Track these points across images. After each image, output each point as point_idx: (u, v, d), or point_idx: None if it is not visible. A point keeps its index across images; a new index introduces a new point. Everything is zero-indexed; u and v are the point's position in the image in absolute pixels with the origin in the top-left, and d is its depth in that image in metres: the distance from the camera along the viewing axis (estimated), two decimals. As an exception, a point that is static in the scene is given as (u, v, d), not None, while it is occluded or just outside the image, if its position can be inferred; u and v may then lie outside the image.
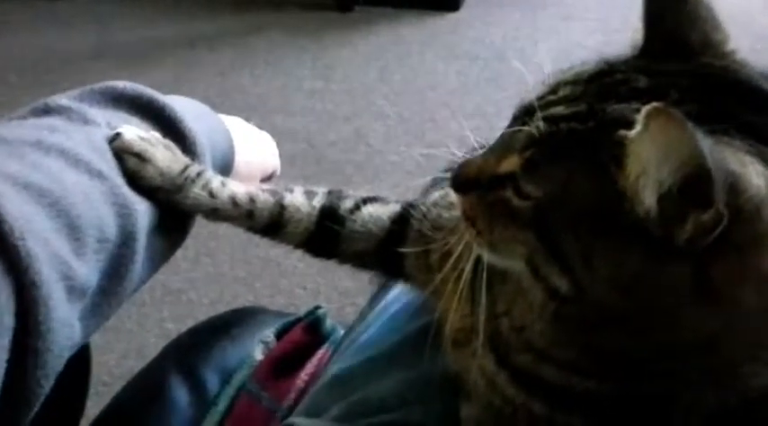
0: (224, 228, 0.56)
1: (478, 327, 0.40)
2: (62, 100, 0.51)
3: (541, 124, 0.34)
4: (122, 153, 0.48)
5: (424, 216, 0.51)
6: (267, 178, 0.66)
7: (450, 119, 1.91)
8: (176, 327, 1.42)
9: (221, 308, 0.89)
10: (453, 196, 0.48)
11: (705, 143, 0.28)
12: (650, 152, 0.30)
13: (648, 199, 0.30)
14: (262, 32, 2.35)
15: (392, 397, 0.49)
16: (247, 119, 0.65)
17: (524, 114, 0.36)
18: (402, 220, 0.52)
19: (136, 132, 0.50)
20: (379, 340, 0.54)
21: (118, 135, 0.49)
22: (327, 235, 0.52)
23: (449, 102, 1.98)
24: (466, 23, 2.31)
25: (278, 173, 0.68)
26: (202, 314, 1.32)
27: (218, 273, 1.51)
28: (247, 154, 0.61)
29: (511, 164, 0.35)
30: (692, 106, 0.32)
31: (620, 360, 0.36)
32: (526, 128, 0.35)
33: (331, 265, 0.57)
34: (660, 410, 0.36)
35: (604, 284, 0.33)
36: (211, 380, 0.62)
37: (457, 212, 0.47)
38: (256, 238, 0.57)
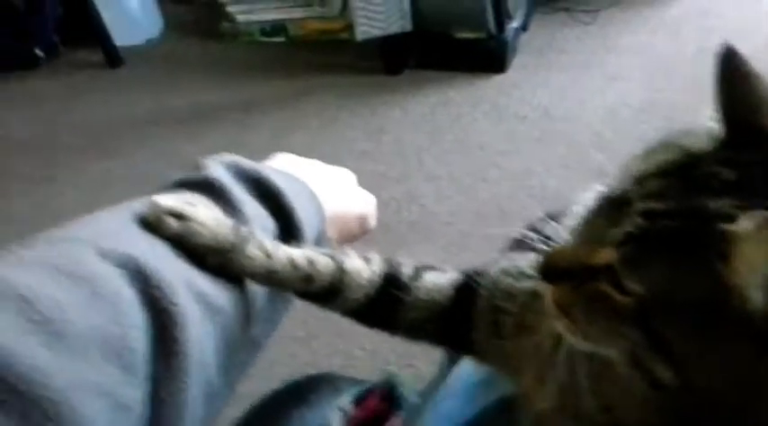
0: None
1: (569, 407, 0.41)
2: (216, 172, 0.52)
3: (639, 220, 0.35)
4: (162, 216, 0.46)
5: (494, 284, 0.50)
6: (362, 234, 0.66)
7: (500, 178, 1.94)
8: (237, 387, 1.43)
9: (280, 368, 0.91)
10: (524, 266, 0.49)
11: None
12: (759, 255, 0.30)
13: (756, 295, 0.31)
14: (313, 96, 2.43)
15: None
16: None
17: (615, 207, 0.37)
18: (467, 288, 0.51)
19: (172, 197, 0.48)
20: (458, 412, 0.54)
21: (154, 203, 0.47)
22: (388, 302, 0.50)
23: (498, 161, 2.01)
24: (513, 85, 2.35)
25: (373, 222, 0.67)
26: (262, 373, 1.33)
27: (276, 334, 1.53)
28: (335, 211, 0.61)
29: (606, 256, 0.36)
30: None
31: None
32: (623, 223, 0.35)
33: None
34: None
35: (710, 377, 0.33)
36: (292, 446, 0.64)
37: (530, 284, 0.48)
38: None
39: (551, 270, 0.39)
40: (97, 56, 2.76)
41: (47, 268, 0.38)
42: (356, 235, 0.66)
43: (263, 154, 0.63)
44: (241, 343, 0.49)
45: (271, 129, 2.28)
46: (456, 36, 2.36)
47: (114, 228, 0.45)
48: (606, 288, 0.36)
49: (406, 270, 0.52)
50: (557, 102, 2.24)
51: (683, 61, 2.35)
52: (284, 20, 2.77)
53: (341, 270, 0.50)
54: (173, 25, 3.02)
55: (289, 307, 0.56)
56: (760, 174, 0.34)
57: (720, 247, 0.32)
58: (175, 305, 0.41)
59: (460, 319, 0.50)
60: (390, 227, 1.79)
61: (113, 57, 2.75)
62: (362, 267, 0.51)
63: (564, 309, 0.39)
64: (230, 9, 2.81)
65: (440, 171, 2.00)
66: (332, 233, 0.61)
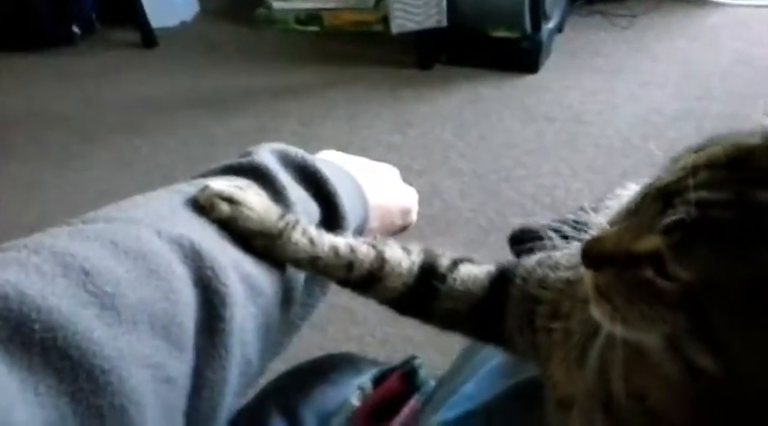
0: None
1: (597, 393, 0.41)
2: (263, 158, 0.53)
3: (691, 209, 0.34)
4: (214, 200, 0.48)
5: (529, 274, 0.50)
6: (404, 228, 0.67)
7: (525, 178, 1.93)
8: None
9: (292, 353, 0.92)
10: (560, 258, 0.50)
11: None
12: None
13: None
14: (344, 86, 2.44)
15: None
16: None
17: (666, 196, 0.37)
18: (501, 279, 0.51)
19: (224, 182, 0.50)
20: (478, 393, 0.55)
21: (206, 187, 0.48)
22: (425, 292, 0.51)
23: (525, 161, 2.00)
24: (544, 86, 2.34)
25: (414, 216, 0.69)
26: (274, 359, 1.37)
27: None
28: (379, 202, 0.62)
29: (651, 243, 0.36)
30: None
31: None
32: (673, 211, 0.35)
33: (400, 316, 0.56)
34: None
35: (752, 366, 0.33)
36: (310, 422, 0.64)
37: (564, 274, 0.48)
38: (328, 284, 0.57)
39: (594, 255, 0.39)
40: (132, 36, 2.80)
41: (106, 243, 0.40)
42: (398, 227, 0.67)
43: (291, 140, 0.64)
44: (279, 325, 0.50)
45: (299, 117, 2.30)
46: (491, 34, 2.36)
47: (168, 210, 0.47)
48: (650, 274, 0.36)
49: (444, 261, 0.52)
50: (588, 105, 2.23)
51: (719, 70, 2.33)
52: (319, 9, 2.79)
53: (381, 259, 0.51)
54: (207, 9, 3.06)
55: (326, 292, 0.58)
56: None
57: None
58: (225, 285, 0.43)
59: (493, 310, 0.51)
60: (412, 220, 1.79)
61: (149, 37, 2.78)
62: (402, 256, 0.51)
63: (605, 295, 0.39)
64: (267, -4, 2.83)
65: (464, 167, 2.01)
66: (375, 224, 0.62)
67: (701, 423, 0.37)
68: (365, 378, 0.68)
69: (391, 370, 0.69)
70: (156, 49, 2.80)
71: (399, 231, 0.67)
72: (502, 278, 0.51)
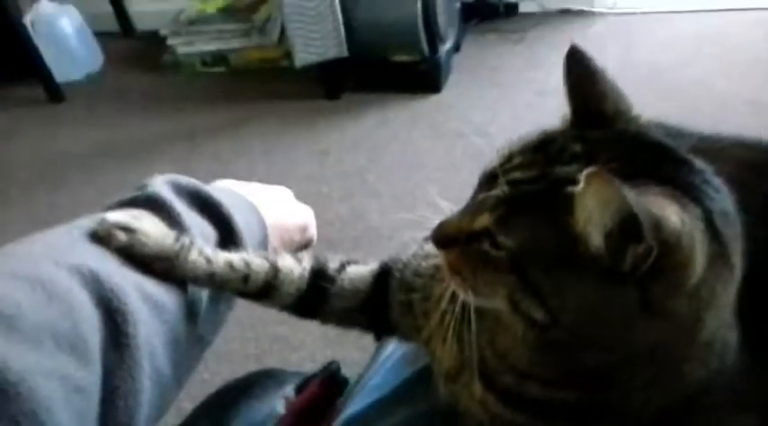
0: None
1: (468, 361, 0.47)
2: (157, 189, 0.57)
3: (506, 188, 0.42)
4: (111, 230, 0.51)
5: (405, 266, 0.57)
6: (305, 245, 0.71)
7: (439, 193, 2.01)
8: (192, 406, 1.47)
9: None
10: (430, 249, 0.56)
11: (631, 195, 0.36)
12: (592, 204, 0.37)
13: (596, 239, 0.38)
14: (256, 123, 2.49)
15: None
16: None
17: (489, 180, 0.44)
18: (383, 274, 0.57)
19: (120, 213, 0.53)
20: (384, 384, 0.61)
21: (103, 219, 0.52)
22: (317, 294, 0.56)
23: (437, 177, 2.09)
24: (448, 104, 2.45)
25: (313, 231, 0.73)
26: (214, 389, 1.38)
27: (228, 352, 1.57)
28: (276, 221, 0.66)
29: (484, 221, 0.42)
30: (618, 165, 0.40)
31: (588, 373, 0.43)
32: (494, 192, 0.42)
33: (338, 338, 0.59)
34: (621, 412, 0.44)
35: (572, 311, 0.40)
36: (241, 434, 0.69)
37: (434, 261, 0.54)
38: (265, 316, 0.59)
39: (442, 238, 0.46)
40: (37, 92, 2.76)
41: (5, 274, 0.44)
42: (298, 243, 0.72)
43: (208, 180, 0.68)
44: (188, 340, 0.55)
45: (215, 157, 2.33)
46: (392, 59, 2.46)
47: (67, 243, 0.51)
48: (485, 246, 0.42)
49: (333, 264, 0.58)
50: (490, 118, 2.35)
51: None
52: (224, 50, 2.83)
53: (274, 269, 0.56)
54: (113, 59, 3.05)
55: (232, 307, 0.62)
56: (602, 147, 0.42)
57: (567, 204, 0.39)
58: (126, 304, 0.47)
59: (379, 303, 0.57)
60: (335, 244, 1.85)
61: (54, 92, 2.75)
62: (294, 265, 0.57)
63: (455, 270, 0.45)
64: (170, 41, 2.85)
65: (381, 189, 2.08)
66: (275, 242, 0.67)
67: (549, 369, 0.45)
68: (288, 388, 0.72)
69: (313, 377, 0.74)
70: (63, 104, 2.77)
71: (303, 248, 0.72)
72: (383, 273, 0.58)
